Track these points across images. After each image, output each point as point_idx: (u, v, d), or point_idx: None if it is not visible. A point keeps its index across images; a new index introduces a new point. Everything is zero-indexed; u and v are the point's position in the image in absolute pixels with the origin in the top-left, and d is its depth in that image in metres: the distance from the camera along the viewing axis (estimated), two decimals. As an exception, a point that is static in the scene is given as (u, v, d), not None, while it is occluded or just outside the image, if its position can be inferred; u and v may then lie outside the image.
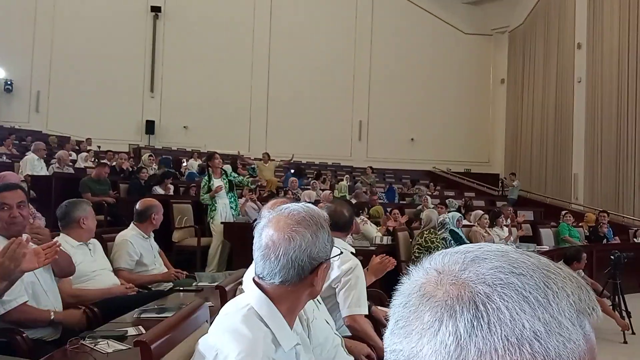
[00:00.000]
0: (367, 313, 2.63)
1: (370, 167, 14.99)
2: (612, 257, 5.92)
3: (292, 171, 12.67)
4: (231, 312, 1.31)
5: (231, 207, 6.64)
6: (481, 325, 0.45)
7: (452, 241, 6.09)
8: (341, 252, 1.57)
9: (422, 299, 0.49)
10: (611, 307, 5.71)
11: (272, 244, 1.28)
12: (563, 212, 10.42)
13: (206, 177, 6.64)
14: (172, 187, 8.71)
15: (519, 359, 0.44)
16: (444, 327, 0.46)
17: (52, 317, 2.64)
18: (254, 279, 1.35)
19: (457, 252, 0.52)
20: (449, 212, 8.12)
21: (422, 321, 0.48)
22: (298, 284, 1.30)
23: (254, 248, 1.34)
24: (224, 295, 2.16)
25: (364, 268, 3.49)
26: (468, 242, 6.47)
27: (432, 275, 0.50)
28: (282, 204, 1.96)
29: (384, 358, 0.51)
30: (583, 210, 13.03)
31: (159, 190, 8.28)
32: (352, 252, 2.73)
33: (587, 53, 15.17)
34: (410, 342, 0.48)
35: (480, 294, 0.47)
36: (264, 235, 1.30)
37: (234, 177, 6.95)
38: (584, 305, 0.48)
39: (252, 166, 12.20)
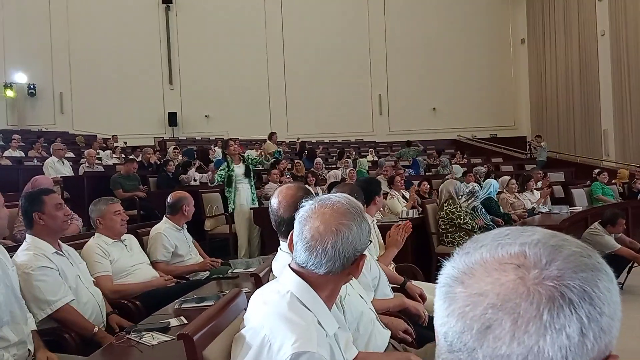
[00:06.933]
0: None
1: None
2: (648, 213, 5.79)
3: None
4: (272, 300, 1.31)
5: (252, 193, 6.61)
6: (597, 310, 0.49)
7: (484, 210, 6.00)
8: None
9: (524, 299, 0.49)
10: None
11: (319, 236, 1.27)
12: (596, 171, 10.21)
13: (225, 165, 6.52)
14: (197, 174, 8.81)
15: (615, 331, 0.50)
16: (566, 321, 0.48)
17: (95, 331, 2.69)
18: (290, 266, 1.35)
19: (529, 243, 0.53)
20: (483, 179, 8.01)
21: (540, 319, 0.48)
22: (340, 274, 1.32)
23: (294, 236, 1.33)
24: (259, 282, 2.20)
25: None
26: (502, 211, 6.38)
27: (520, 274, 0.51)
28: (293, 189, 1.99)
29: None
30: (615, 167, 12.72)
31: (186, 180, 8.41)
32: None
33: (610, 4, 14.64)
34: (523, 343, 0.48)
35: (585, 281, 0.50)
36: (308, 226, 1.30)
37: (251, 159, 6.67)
38: None
39: (279, 150, 12.20)
